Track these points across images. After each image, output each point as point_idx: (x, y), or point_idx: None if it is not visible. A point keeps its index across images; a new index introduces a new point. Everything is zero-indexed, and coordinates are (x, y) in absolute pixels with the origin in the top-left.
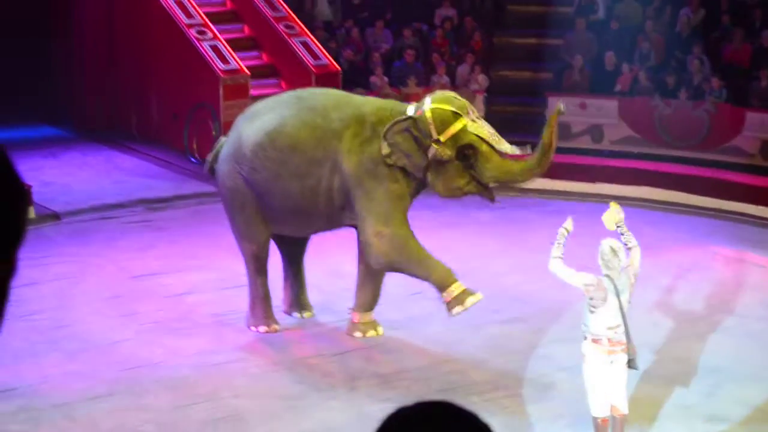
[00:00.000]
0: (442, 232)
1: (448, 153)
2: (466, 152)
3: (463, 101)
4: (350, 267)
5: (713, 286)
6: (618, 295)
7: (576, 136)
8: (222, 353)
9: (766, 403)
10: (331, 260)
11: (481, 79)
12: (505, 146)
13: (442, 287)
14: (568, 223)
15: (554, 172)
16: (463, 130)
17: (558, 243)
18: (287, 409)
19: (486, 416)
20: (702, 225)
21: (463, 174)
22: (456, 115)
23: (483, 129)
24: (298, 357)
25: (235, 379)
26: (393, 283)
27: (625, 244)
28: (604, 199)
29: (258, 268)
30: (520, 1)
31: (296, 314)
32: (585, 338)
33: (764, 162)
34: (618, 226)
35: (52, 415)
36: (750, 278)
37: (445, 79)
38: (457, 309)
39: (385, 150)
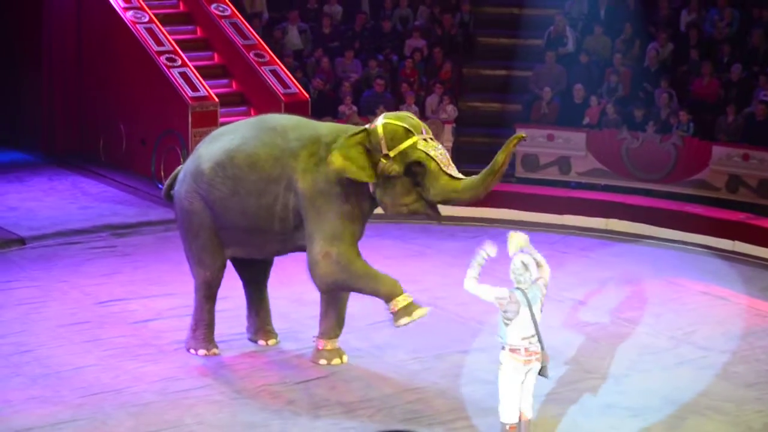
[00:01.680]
0: (410, 262)
1: (395, 168)
2: (414, 169)
3: (418, 121)
4: (315, 294)
5: (678, 319)
6: (530, 307)
7: (544, 167)
8: (186, 380)
9: None
10: (296, 288)
11: (450, 110)
12: (452, 169)
13: (388, 298)
14: (489, 248)
15: (522, 203)
16: (413, 146)
17: (477, 263)
18: None
19: None
20: (667, 257)
21: (410, 191)
22: (407, 132)
23: (434, 150)
24: (262, 384)
25: (199, 406)
26: (357, 311)
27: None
28: (570, 230)
29: (207, 295)
30: (490, 33)
31: (261, 342)
32: (503, 348)
33: (730, 196)
34: (521, 249)
35: None
36: (714, 311)
37: (414, 108)
38: (405, 320)
39: (338, 162)
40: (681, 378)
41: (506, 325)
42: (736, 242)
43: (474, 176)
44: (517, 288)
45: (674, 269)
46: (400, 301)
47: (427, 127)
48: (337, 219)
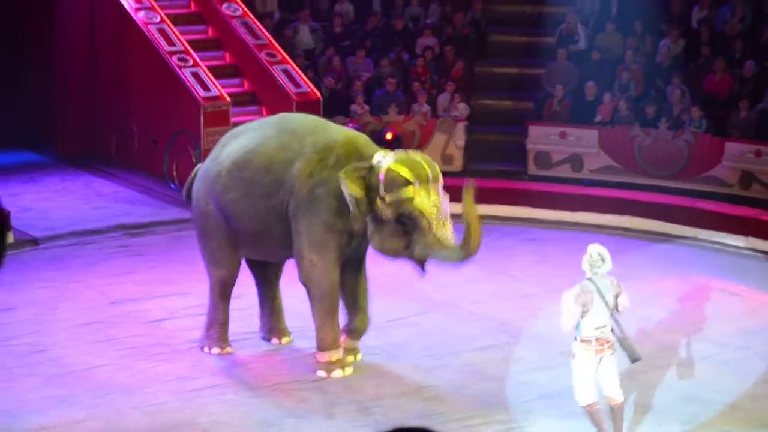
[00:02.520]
0: None
1: (387, 214)
2: (405, 221)
3: (428, 168)
4: None
5: (692, 315)
6: (603, 296)
7: (556, 165)
8: (200, 379)
9: (743, 431)
10: None
11: (462, 108)
12: (443, 233)
13: (322, 348)
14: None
15: (535, 200)
16: (409, 199)
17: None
18: None
19: None
20: (681, 254)
21: (400, 237)
22: (407, 183)
23: (431, 206)
24: (276, 383)
25: (213, 405)
26: (373, 309)
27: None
28: (583, 227)
29: (222, 294)
30: (501, 30)
31: (275, 340)
32: (575, 339)
33: (743, 192)
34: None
35: None
36: (728, 307)
37: (426, 107)
38: (338, 372)
39: (350, 189)
40: (696, 374)
41: (582, 316)
42: (750, 238)
43: (457, 246)
44: (589, 278)
45: (688, 266)
46: (332, 355)
47: (438, 175)
48: (325, 228)
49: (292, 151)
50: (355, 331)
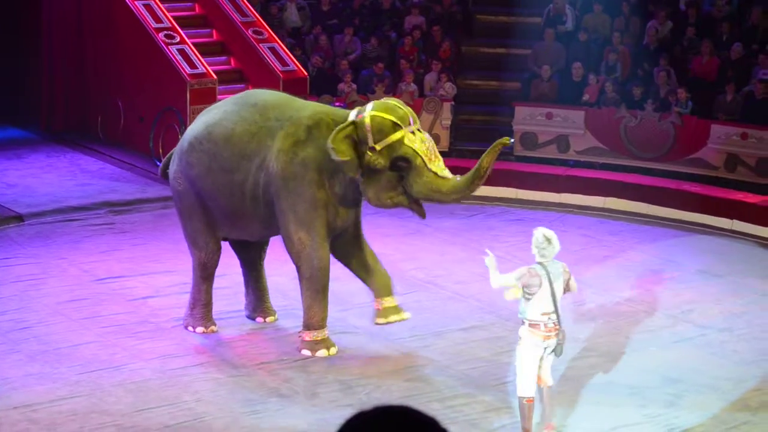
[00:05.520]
0: (408, 240)
1: (381, 162)
2: (400, 164)
3: (406, 110)
4: None
5: (675, 297)
6: (551, 282)
7: (542, 145)
8: (184, 357)
9: (726, 413)
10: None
11: (449, 87)
12: (438, 165)
13: (309, 327)
14: (489, 253)
15: (520, 181)
16: (400, 141)
17: (492, 267)
18: (248, 414)
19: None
20: (665, 236)
21: (395, 185)
22: (395, 126)
23: (420, 144)
24: (260, 362)
25: (197, 384)
26: (357, 288)
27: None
28: (568, 209)
29: (204, 275)
30: (488, 10)
31: (260, 319)
32: (523, 323)
33: (728, 175)
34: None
35: (13, 417)
36: (712, 289)
37: (413, 86)
38: (323, 352)
39: (342, 155)
40: (679, 356)
41: (527, 300)
42: (735, 221)
43: (460, 177)
44: (538, 263)
45: (672, 248)
46: (319, 335)
47: (415, 116)
48: (309, 205)
49: (255, 123)
50: (382, 289)
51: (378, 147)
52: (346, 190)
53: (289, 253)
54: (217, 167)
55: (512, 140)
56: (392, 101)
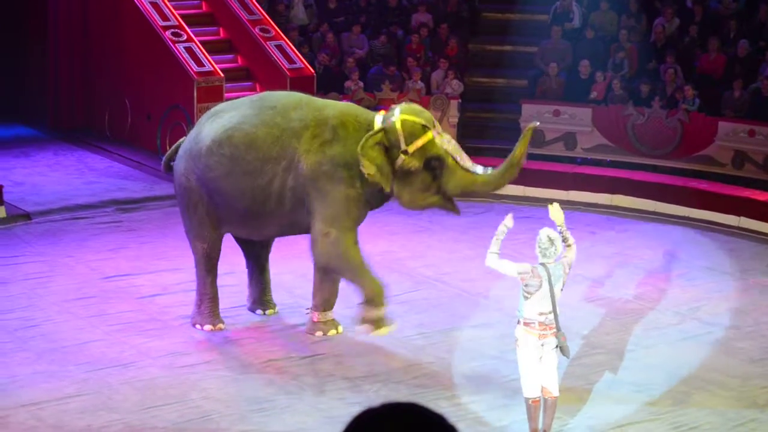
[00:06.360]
0: (416, 237)
1: (415, 164)
2: (433, 164)
3: (429, 114)
4: None
5: (682, 294)
6: (551, 284)
7: (549, 143)
8: (192, 355)
9: (733, 410)
10: (301, 263)
11: (455, 85)
12: (468, 162)
13: (368, 302)
14: (508, 220)
15: (527, 179)
16: (431, 142)
17: (496, 238)
18: (256, 412)
19: (454, 420)
20: (673, 233)
21: (429, 186)
22: (425, 128)
23: (447, 143)
24: (268, 359)
25: (205, 381)
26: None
27: (565, 241)
28: (576, 206)
29: (208, 267)
30: (495, 8)
31: (259, 311)
32: (518, 323)
33: (735, 172)
34: (559, 225)
35: (20, 415)
36: (719, 286)
37: (420, 84)
38: (369, 330)
39: (368, 169)
40: (686, 353)
41: (525, 299)
42: (742, 218)
43: (493, 170)
44: (541, 264)
45: (679, 245)
46: (376, 312)
47: (435, 120)
48: (340, 202)
49: (278, 126)
50: (325, 302)
51: (411, 149)
52: (375, 188)
53: (317, 252)
54: (239, 171)
55: (538, 123)
56: (416, 105)
